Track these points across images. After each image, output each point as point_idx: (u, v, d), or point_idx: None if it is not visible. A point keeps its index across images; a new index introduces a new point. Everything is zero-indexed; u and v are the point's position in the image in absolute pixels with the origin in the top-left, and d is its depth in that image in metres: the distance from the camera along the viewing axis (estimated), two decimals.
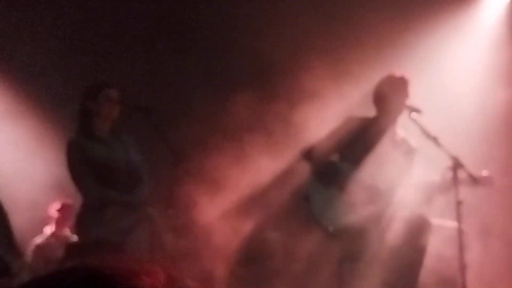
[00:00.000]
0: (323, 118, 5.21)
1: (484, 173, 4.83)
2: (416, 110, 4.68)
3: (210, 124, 6.17)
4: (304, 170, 5.05)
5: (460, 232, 4.27)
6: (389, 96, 4.88)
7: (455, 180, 4.41)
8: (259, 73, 6.44)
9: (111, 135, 4.97)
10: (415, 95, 5.09)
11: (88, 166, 4.81)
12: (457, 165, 4.42)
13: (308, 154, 4.94)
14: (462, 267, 4.27)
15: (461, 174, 4.45)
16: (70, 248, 5.57)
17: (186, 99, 6.67)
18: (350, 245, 4.87)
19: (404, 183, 4.87)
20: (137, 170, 5.04)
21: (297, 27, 6.47)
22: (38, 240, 6.31)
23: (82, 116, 4.91)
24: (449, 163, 4.45)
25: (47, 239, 6.33)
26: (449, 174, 4.49)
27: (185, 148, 5.36)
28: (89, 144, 4.87)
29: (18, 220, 5.03)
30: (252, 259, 6.40)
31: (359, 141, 4.86)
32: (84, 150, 4.84)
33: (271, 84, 6.22)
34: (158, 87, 6.55)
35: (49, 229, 6.38)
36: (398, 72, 4.98)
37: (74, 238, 5.99)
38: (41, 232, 6.38)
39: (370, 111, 5.02)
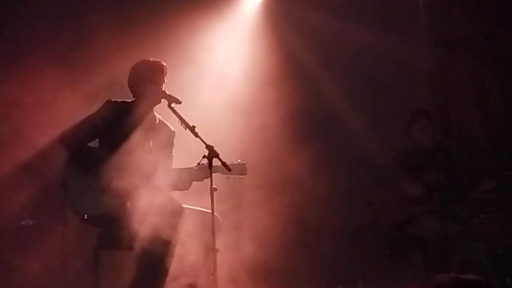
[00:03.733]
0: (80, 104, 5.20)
1: (238, 162, 5.14)
2: (176, 101, 4.73)
3: None
4: (61, 155, 4.99)
5: (213, 217, 4.50)
6: (144, 81, 4.90)
7: (210, 168, 4.63)
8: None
9: None
10: (176, 84, 5.24)
11: None
12: (212, 154, 4.65)
13: (64, 140, 4.81)
14: (214, 251, 4.49)
15: (216, 163, 4.68)
16: None
17: None
18: (106, 232, 4.84)
19: (163, 167, 4.94)
20: None
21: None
22: None
23: None
24: (205, 152, 4.67)
25: None
26: (205, 162, 4.70)
27: None
28: None
29: None
30: (7, 247, 6.20)
31: (117, 126, 4.83)
32: None
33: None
34: None
35: None
36: (153, 58, 4.99)
37: None
38: None
39: (129, 96, 5.00)
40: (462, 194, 5.95)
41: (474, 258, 5.63)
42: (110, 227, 4.76)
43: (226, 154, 4.72)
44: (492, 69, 7.35)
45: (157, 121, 5.10)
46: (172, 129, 5.12)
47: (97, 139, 4.95)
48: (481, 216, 6.62)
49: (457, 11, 7.44)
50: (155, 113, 5.09)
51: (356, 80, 7.27)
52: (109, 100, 4.93)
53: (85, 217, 4.76)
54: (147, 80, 4.92)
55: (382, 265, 6.20)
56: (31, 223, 6.13)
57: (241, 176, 5.07)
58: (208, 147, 4.62)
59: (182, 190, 5.03)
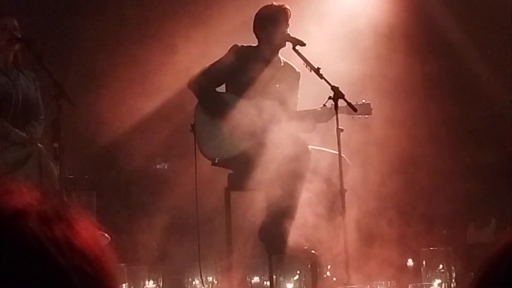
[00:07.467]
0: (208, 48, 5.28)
1: (363, 102, 5.07)
2: (300, 43, 4.66)
3: (96, 57, 6.13)
4: (191, 100, 5.13)
5: (340, 158, 4.52)
6: (269, 25, 4.86)
7: (336, 109, 4.61)
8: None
9: (13, 68, 4.82)
10: (299, 26, 5.21)
11: None
12: (337, 95, 4.62)
13: (192, 85, 4.89)
14: (342, 191, 4.51)
15: (342, 104, 4.65)
16: None
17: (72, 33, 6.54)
18: (236, 173, 4.89)
19: (289, 109, 4.96)
20: (34, 106, 4.87)
21: None
22: None
23: None
24: (330, 93, 4.64)
25: None
26: (330, 104, 4.69)
27: (70, 81, 5.32)
28: None
29: None
30: (145, 190, 6.49)
31: (243, 70, 4.85)
32: None
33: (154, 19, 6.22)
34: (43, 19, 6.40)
35: None
36: (277, 2, 4.93)
37: None
38: None
39: (254, 41, 4.97)
40: None
41: None
42: (240, 168, 4.81)
43: (349, 96, 4.67)
44: None
45: (282, 63, 5.10)
46: (297, 70, 5.10)
47: (224, 85, 5.03)
48: None
49: None
50: (279, 55, 5.09)
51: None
52: (235, 45, 4.93)
53: (216, 160, 4.89)
54: (271, 24, 4.90)
55: None
56: (166, 166, 6.39)
57: (366, 116, 5.01)
58: (334, 88, 4.57)
59: (306, 132, 5.02)
